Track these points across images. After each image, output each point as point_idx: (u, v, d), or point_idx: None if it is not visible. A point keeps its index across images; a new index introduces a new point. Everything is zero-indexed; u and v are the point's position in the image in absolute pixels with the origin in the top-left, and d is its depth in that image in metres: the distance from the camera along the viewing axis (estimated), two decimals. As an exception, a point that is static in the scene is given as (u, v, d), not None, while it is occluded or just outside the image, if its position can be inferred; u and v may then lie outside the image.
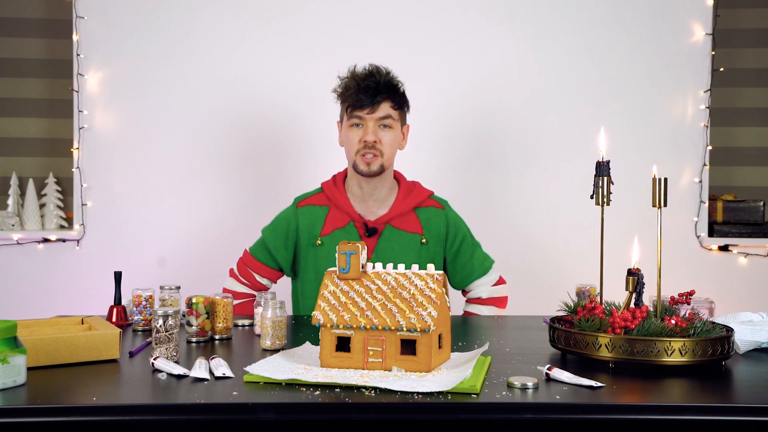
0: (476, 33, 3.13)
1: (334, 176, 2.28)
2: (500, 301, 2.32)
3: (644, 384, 1.35)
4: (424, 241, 2.21)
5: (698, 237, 3.14)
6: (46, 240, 3.12)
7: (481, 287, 2.29)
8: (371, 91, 2.12)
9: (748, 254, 3.14)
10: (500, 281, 2.32)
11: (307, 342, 1.63)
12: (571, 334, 1.49)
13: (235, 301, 2.22)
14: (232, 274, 2.30)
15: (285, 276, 2.33)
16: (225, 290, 2.27)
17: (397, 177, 2.29)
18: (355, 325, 1.40)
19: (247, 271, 2.27)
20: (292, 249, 2.25)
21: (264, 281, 2.28)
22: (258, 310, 1.80)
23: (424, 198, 2.25)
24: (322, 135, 3.08)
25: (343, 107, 2.20)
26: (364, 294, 1.45)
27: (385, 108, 2.15)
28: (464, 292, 2.35)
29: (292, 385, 1.31)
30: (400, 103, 2.19)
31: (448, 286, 2.31)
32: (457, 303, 2.21)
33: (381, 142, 2.14)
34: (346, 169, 2.28)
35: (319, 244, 2.19)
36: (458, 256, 2.27)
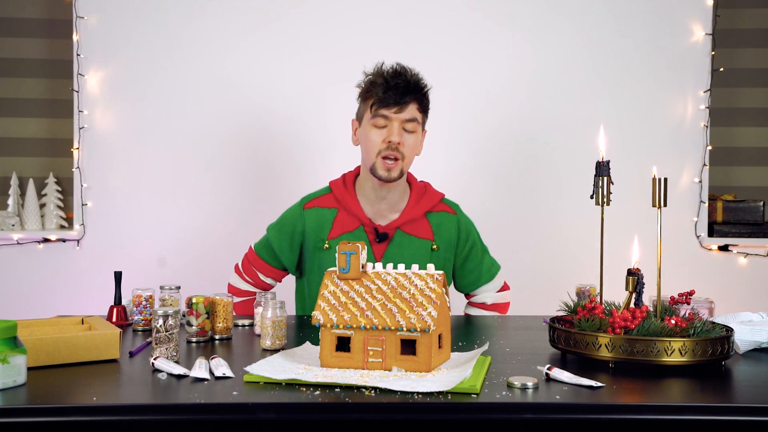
0: (476, 33, 3.13)
1: (344, 176, 2.21)
2: (503, 307, 2.31)
3: (644, 384, 1.35)
4: (435, 247, 2.16)
5: (698, 237, 3.14)
6: (46, 240, 3.12)
7: (486, 293, 2.28)
8: (400, 90, 2.06)
9: (748, 254, 3.14)
10: (504, 287, 2.31)
11: (307, 342, 1.63)
12: (571, 334, 1.49)
13: (240, 299, 2.22)
14: (237, 270, 2.27)
15: (290, 274, 2.30)
16: (230, 286, 2.26)
17: (408, 179, 2.23)
18: (355, 325, 1.40)
19: (252, 270, 2.24)
20: (298, 251, 2.20)
21: (268, 280, 2.25)
22: (258, 310, 1.80)
23: (435, 202, 2.20)
24: (322, 134, 3.08)
25: (366, 105, 2.12)
26: (364, 294, 1.45)
27: (412, 110, 2.08)
28: (468, 296, 2.33)
29: (292, 385, 1.31)
30: (425, 106, 2.14)
31: (449, 286, 2.33)
32: (457, 303, 2.20)
33: (404, 145, 2.08)
34: (357, 168, 2.21)
35: (327, 247, 2.14)
36: (467, 262, 2.24)
